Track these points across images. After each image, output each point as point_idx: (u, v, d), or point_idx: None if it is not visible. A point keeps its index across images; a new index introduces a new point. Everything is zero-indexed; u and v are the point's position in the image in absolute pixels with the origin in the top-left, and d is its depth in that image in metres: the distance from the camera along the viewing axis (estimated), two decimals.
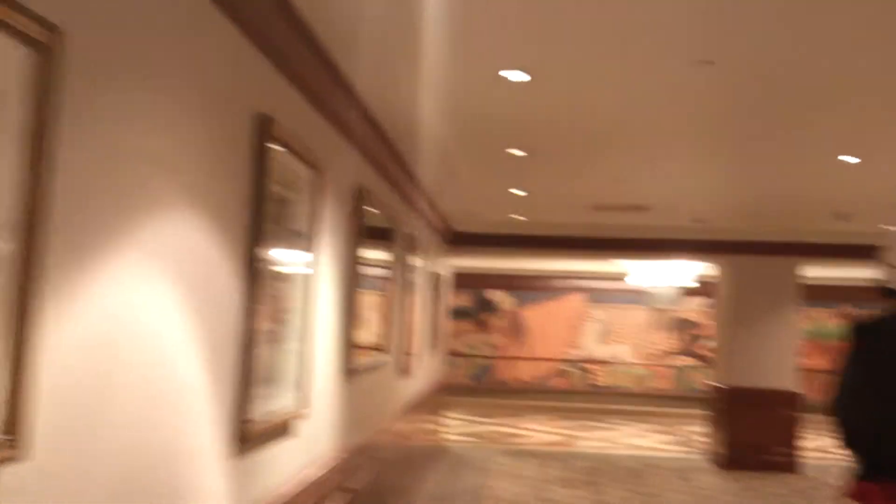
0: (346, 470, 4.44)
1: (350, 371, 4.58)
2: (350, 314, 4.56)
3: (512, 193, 7.66)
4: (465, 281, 18.73)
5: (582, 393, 18.51)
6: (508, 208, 8.77)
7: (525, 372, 19.12)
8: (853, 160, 5.84)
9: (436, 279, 8.91)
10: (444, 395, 10.68)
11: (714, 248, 10.05)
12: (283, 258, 3.30)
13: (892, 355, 3.18)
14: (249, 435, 2.90)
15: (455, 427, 12.81)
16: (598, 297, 19.08)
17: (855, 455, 3.21)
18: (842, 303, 17.47)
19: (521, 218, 9.28)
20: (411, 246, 6.79)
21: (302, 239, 3.54)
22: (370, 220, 5.03)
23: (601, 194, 7.81)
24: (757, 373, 9.96)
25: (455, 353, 18.95)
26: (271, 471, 3.25)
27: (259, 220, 2.91)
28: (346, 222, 4.45)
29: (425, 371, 8.61)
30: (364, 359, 5.10)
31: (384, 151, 5.15)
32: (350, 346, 4.56)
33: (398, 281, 6.29)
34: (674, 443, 12.25)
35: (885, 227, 9.17)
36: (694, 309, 18.74)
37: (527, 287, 19.18)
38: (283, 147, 3.13)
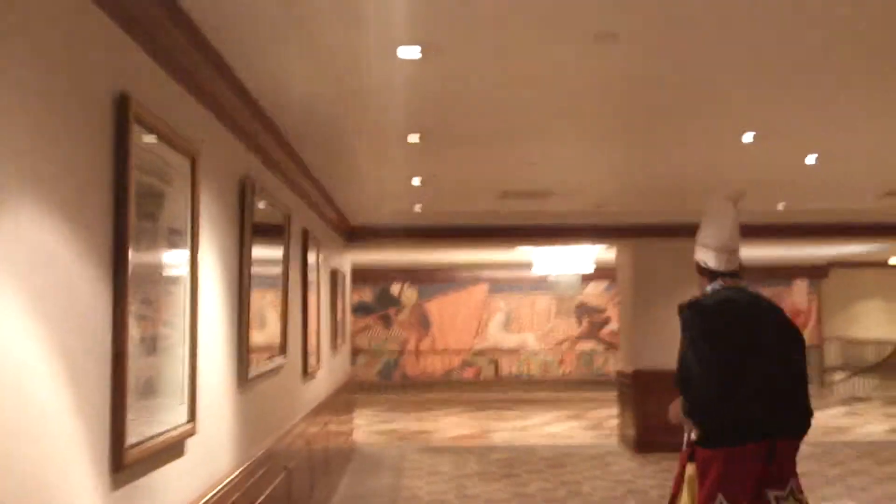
0: (247, 485, 4.09)
1: (246, 377, 4.23)
2: (242, 316, 4.21)
3: (412, 184, 7.39)
4: (366, 275, 18.43)
5: (491, 383, 18.46)
6: (409, 199, 8.49)
7: (433, 365, 18.94)
8: (751, 139, 5.80)
9: (335, 276, 8.57)
10: (351, 395, 10.35)
11: (616, 232, 10.02)
12: (159, 258, 2.94)
13: (723, 328, 3.46)
14: (128, 461, 2.54)
15: (366, 426, 12.50)
16: (502, 286, 19.05)
17: (697, 423, 3.48)
18: None
19: (419, 209, 9.02)
20: (307, 242, 6.44)
21: (180, 236, 3.18)
22: (260, 216, 4.68)
23: (505, 181, 7.61)
24: (662, 354, 9.96)
25: (360, 350, 18.68)
26: (159, 499, 2.90)
27: (124, 216, 2.54)
28: (232, 217, 4.09)
29: (330, 371, 8.27)
30: (261, 363, 4.74)
31: (272, 140, 4.80)
32: (244, 351, 4.21)
33: (294, 279, 5.94)
34: (587, 428, 12.25)
35: (779, 205, 9.35)
36: (597, 294, 18.92)
37: (430, 279, 18.99)
38: (150, 132, 2.77)
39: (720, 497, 3.34)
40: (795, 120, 5.56)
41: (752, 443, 3.34)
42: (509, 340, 19.12)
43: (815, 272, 18.22)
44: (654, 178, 7.77)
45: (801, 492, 3.43)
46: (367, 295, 19.07)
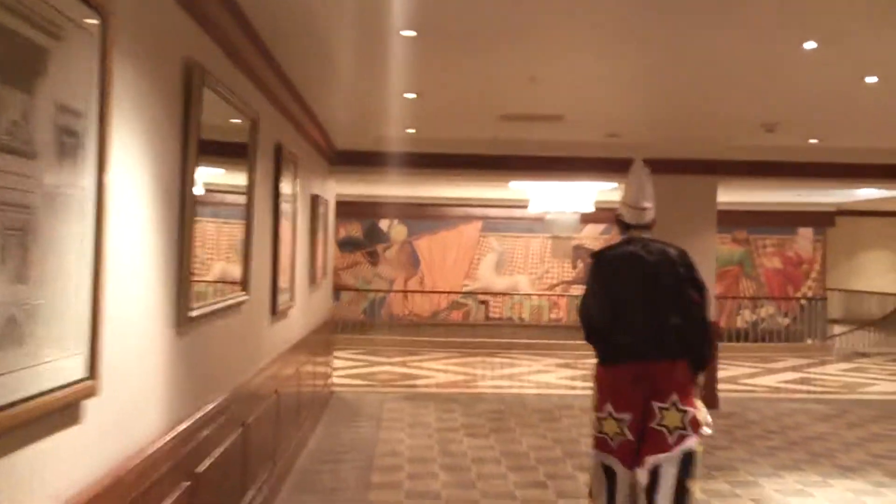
0: (184, 451, 3.24)
1: (187, 317, 3.35)
2: (182, 244, 3.31)
3: (405, 98, 6.43)
4: (353, 209, 17.54)
5: (480, 326, 17.71)
6: (401, 120, 7.54)
7: (420, 306, 18.16)
8: (813, 46, 4.85)
9: (315, 202, 7.64)
10: (331, 335, 9.52)
11: (627, 166, 9.07)
12: (33, 143, 2.03)
13: (612, 274, 4.31)
14: None
15: (345, 369, 11.71)
16: (495, 225, 18.22)
17: (593, 346, 4.31)
18: (736, 228, 17.07)
19: (412, 132, 8.06)
20: (280, 159, 5.51)
21: (78, 120, 2.26)
22: (218, 119, 3.75)
23: (507, 100, 6.67)
24: None
25: (345, 288, 17.86)
26: (30, 488, 2.04)
27: None
28: (171, 112, 3.16)
29: (307, 309, 7.41)
30: (212, 300, 3.86)
31: (233, 22, 3.84)
32: (184, 286, 3.32)
33: (262, 203, 5.03)
34: (581, 378, 11.47)
35: (811, 140, 8.43)
36: (594, 236, 18.10)
37: (420, 216, 18.12)
38: None
39: (609, 405, 4.15)
40: (861, 32, 4.62)
41: (627, 363, 4.16)
42: (501, 282, 18.33)
43: (822, 220, 17.38)
44: (680, 102, 6.84)
45: (686, 404, 4.09)
46: (356, 229, 18.20)
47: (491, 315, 18.28)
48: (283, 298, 5.80)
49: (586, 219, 16.57)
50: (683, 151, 8.84)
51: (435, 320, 18.05)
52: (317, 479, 6.12)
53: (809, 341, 15.89)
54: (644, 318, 4.20)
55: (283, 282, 5.79)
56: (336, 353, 13.13)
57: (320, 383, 8.45)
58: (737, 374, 11.28)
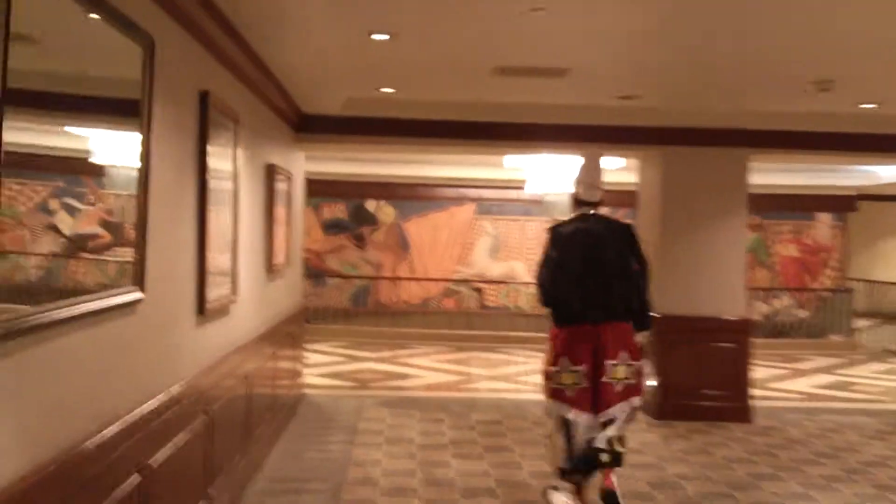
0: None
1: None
2: None
3: (374, 41, 5.12)
4: (338, 189, 16.33)
5: (473, 315, 16.46)
6: (373, 73, 6.24)
7: (410, 293, 16.88)
8: None
9: (271, 174, 6.32)
10: (300, 328, 8.23)
11: (644, 136, 7.79)
12: None
13: (566, 246, 4.98)
14: None
15: (323, 366, 10.45)
16: (490, 207, 16.94)
17: (550, 311, 4.99)
18: (749, 212, 15.73)
19: (390, 92, 6.76)
20: (206, 112, 4.22)
21: None
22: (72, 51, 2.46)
23: (505, 46, 5.37)
24: (695, 296, 7.89)
25: (329, 273, 16.59)
26: None
27: None
28: None
29: (263, 302, 6.14)
30: (60, 306, 2.58)
31: None
32: None
33: (173, 175, 3.75)
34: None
35: (863, 105, 7.13)
36: None
37: (410, 196, 16.82)
38: None
39: (565, 359, 4.82)
40: None
41: (579, 324, 4.84)
42: (496, 268, 17.06)
43: (842, 204, 16.08)
44: (709, 54, 5.54)
45: (634, 360, 4.86)
46: (341, 210, 16.91)
47: (486, 303, 17.04)
48: (217, 293, 4.52)
49: None
50: (709, 119, 7.55)
51: (426, 308, 16.81)
52: None
53: (833, 337, 14.61)
54: (593, 285, 4.85)
55: (216, 272, 4.51)
56: (315, 347, 11.94)
57: (284, 386, 7.19)
58: (764, 375, 9.98)
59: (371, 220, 17.06)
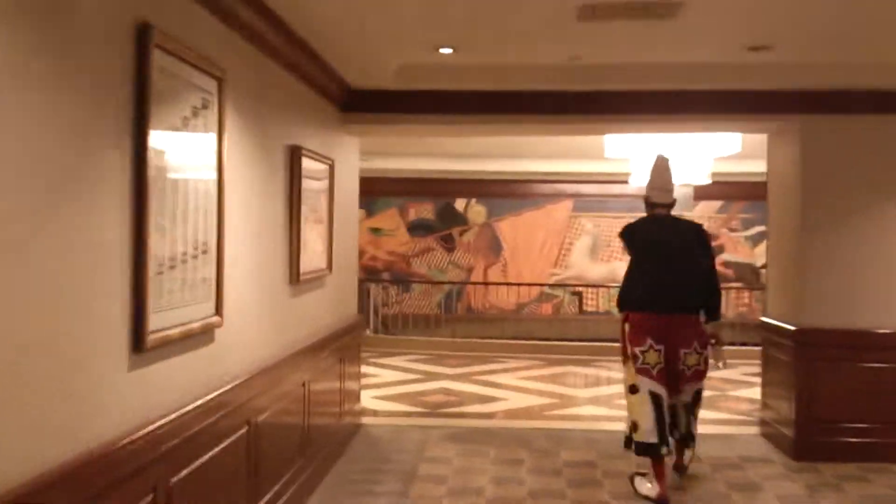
0: None
1: None
2: None
3: None
4: (424, 187, 15.18)
5: (572, 321, 14.93)
6: (426, 25, 4.84)
7: (503, 298, 15.47)
8: None
9: (295, 162, 4.96)
10: (349, 349, 6.91)
11: (777, 102, 6.12)
12: None
13: (643, 245, 5.43)
14: None
15: (391, 386, 9.11)
16: (589, 204, 15.41)
17: (624, 296, 5.47)
18: None
19: (449, 52, 5.33)
20: (146, 66, 2.89)
21: None
22: None
23: None
24: (848, 305, 6.18)
25: (414, 279, 15.35)
26: None
27: None
28: None
29: (281, 323, 4.83)
30: None
31: None
32: None
33: (68, 159, 2.44)
34: (708, 402, 8.53)
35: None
36: (707, 216, 15.06)
37: (502, 194, 15.47)
38: None
39: (650, 339, 5.20)
40: None
41: (649, 312, 5.25)
42: (596, 270, 15.47)
43: None
44: None
45: (703, 347, 5.33)
46: (427, 210, 15.65)
47: (586, 308, 15.46)
48: (176, 317, 3.20)
49: (700, 194, 13.56)
50: (869, 76, 5.82)
51: (519, 314, 15.36)
52: None
53: None
54: (668, 281, 5.27)
55: (176, 289, 3.19)
56: (389, 362, 10.66)
57: (328, 418, 5.88)
58: None
59: (460, 220, 15.77)
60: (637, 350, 5.22)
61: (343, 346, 6.37)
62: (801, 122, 6.18)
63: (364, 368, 10.03)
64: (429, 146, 12.16)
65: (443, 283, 15.54)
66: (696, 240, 5.46)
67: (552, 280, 15.53)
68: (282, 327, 4.79)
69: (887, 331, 6.15)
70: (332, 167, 5.94)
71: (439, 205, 15.71)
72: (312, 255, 5.42)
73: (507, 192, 15.44)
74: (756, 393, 7.67)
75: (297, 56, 4.86)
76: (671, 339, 5.21)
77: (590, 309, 15.41)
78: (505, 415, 7.87)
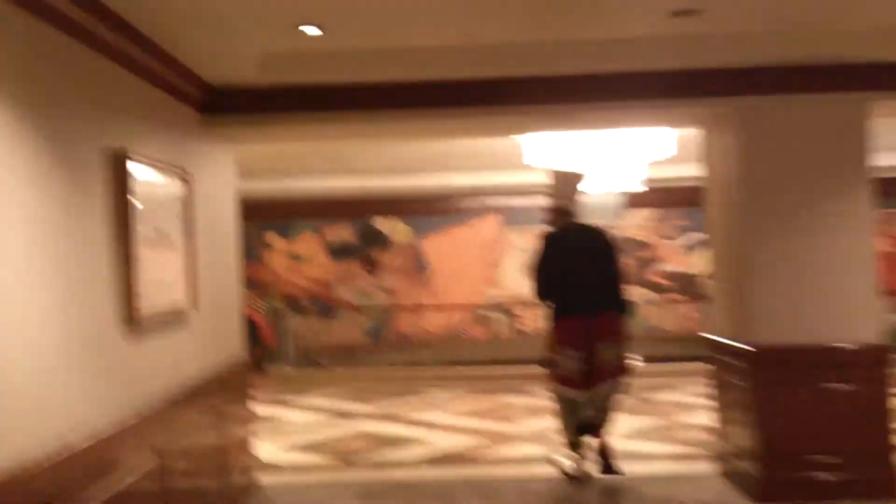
0: None
1: None
2: None
3: None
4: (340, 208, 14.16)
5: (507, 343, 14.05)
6: (293, 8, 3.86)
7: (433, 322, 14.47)
8: None
9: (120, 169, 3.87)
10: (234, 402, 5.83)
11: (709, 83, 5.26)
12: None
13: (561, 250, 5.93)
14: None
15: (299, 433, 8.03)
16: (518, 216, 14.52)
17: (547, 303, 5.94)
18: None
19: (316, 33, 4.34)
20: None
21: None
22: None
23: None
24: (802, 318, 5.33)
25: (341, 305, 14.30)
26: None
27: None
28: None
29: (111, 379, 3.77)
30: None
31: None
32: None
33: None
34: (651, 431, 7.65)
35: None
36: (639, 224, 14.37)
37: (424, 211, 14.50)
38: None
39: (569, 348, 5.79)
40: None
41: (573, 316, 5.81)
42: (530, 288, 14.57)
43: None
44: None
45: (618, 343, 5.83)
46: (347, 232, 14.62)
47: (522, 329, 14.55)
48: None
49: (633, 201, 12.78)
50: (811, 47, 5.00)
51: (451, 339, 14.38)
52: None
53: None
54: (585, 282, 5.81)
55: None
56: (303, 402, 9.59)
57: (208, 484, 4.81)
58: None
59: (382, 240, 14.74)
60: (555, 357, 5.87)
61: (221, 397, 5.30)
62: (738, 105, 5.34)
63: (275, 411, 8.96)
64: (344, 162, 11.23)
65: (364, 308, 14.52)
66: (605, 243, 5.99)
67: (485, 300, 14.62)
68: (106, 384, 3.72)
69: (848, 346, 5.30)
70: (188, 180, 4.88)
71: (358, 225, 14.72)
72: (160, 288, 4.36)
73: (430, 209, 14.52)
74: (704, 417, 6.82)
75: (168, 68, 3.85)
76: (591, 337, 5.75)
77: (526, 328, 14.50)
78: (427, 462, 6.82)
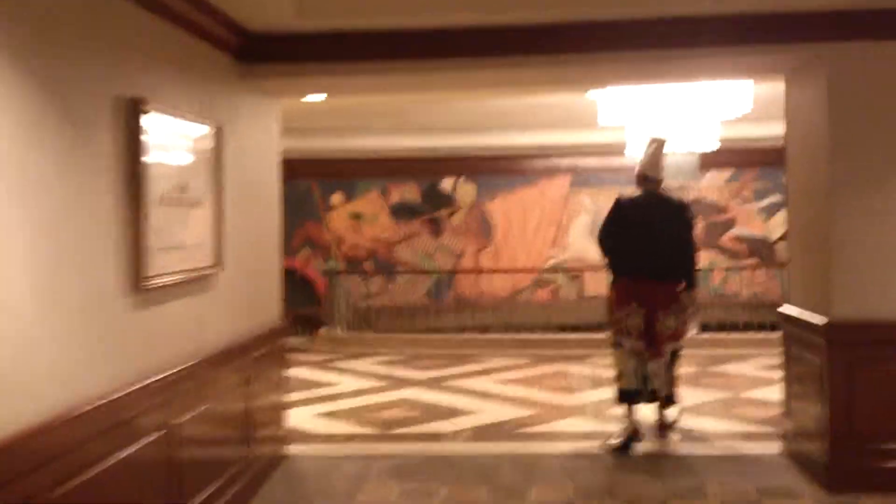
0: None
1: None
2: None
3: None
4: (406, 166, 13.85)
5: (572, 307, 13.64)
6: None
7: (496, 284, 14.12)
8: None
9: (133, 123, 3.56)
10: (267, 359, 5.58)
11: (793, 28, 4.71)
12: None
13: (630, 217, 5.98)
14: None
15: (342, 398, 7.78)
16: (587, 178, 14.08)
17: (611, 265, 6.07)
18: None
19: None
20: None
21: None
22: None
23: None
24: (889, 291, 4.80)
25: (402, 266, 14.04)
26: None
27: None
28: None
29: (97, 352, 3.51)
30: None
31: None
32: None
33: None
34: (716, 404, 7.17)
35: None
36: (716, 187, 13.74)
37: (492, 170, 14.13)
38: None
39: (634, 304, 5.84)
40: None
41: (636, 280, 5.89)
42: (597, 250, 14.05)
43: None
44: None
45: (682, 311, 5.91)
46: (411, 192, 14.31)
47: (586, 294, 14.07)
48: None
49: (707, 162, 12.13)
50: None
51: (515, 301, 14.01)
52: None
53: None
54: (651, 250, 5.87)
55: None
56: (351, 366, 9.38)
57: (231, 454, 4.58)
58: None
59: (448, 201, 14.39)
60: (621, 313, 5.90)
61: (251, 364, 5.03)
62: (824, 52, 4.76)
63: (322, 375, 8.75)
64: (409, 120, 10.90)
65: (426, 272, 14.24)
66: (679, 215, 6.04)
67: (550, 263, 14.20)
68: (119, 353, 3.46)
69: None
70: (218, 131, 4.56)
71: (424, 185, 14.39)
72: (180, 251, 4.07)
73: (497, 169, 14.15)
74: (774, 393, 6.34)
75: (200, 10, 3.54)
76: (651, 303, 5.81)
77: (590, 293, 14.02)
78: (470, 435, 6.46)
